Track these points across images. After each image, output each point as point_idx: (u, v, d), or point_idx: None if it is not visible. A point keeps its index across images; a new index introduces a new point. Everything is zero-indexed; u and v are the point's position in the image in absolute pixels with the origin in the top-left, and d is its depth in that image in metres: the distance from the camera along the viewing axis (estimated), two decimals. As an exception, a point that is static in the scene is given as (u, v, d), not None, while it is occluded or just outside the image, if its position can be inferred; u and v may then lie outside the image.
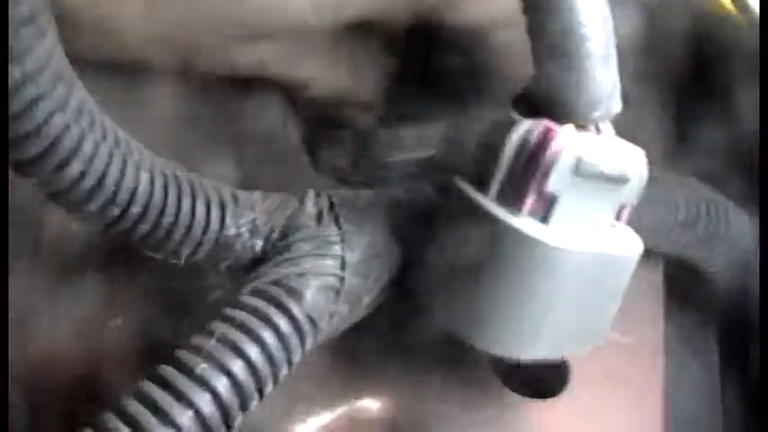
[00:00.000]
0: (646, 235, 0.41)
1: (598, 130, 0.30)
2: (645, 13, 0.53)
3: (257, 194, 0.33)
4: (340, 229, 0.32)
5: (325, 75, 0.43)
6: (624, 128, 0.53)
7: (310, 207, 0.33)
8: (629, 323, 0.42)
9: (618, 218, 0.32)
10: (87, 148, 0.27)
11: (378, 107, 0.47)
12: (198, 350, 0.28)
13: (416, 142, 0.50)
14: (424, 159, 0.50)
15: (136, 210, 0.29)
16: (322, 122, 0.47)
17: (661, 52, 0.57)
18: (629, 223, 0.39)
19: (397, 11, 0.40)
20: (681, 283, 0.49)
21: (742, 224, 0.44)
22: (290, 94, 0.44)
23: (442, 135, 0.49)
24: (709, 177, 0.52)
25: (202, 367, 0.28)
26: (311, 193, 0.34)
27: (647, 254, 0.43)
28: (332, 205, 0.33)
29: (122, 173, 0.28)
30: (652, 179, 0.40)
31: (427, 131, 0.49)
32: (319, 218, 0.33)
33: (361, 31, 0.43)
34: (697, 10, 0.53)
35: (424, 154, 0.50)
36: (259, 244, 0.32)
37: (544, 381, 0.38)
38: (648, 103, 0.58)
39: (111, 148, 0.28)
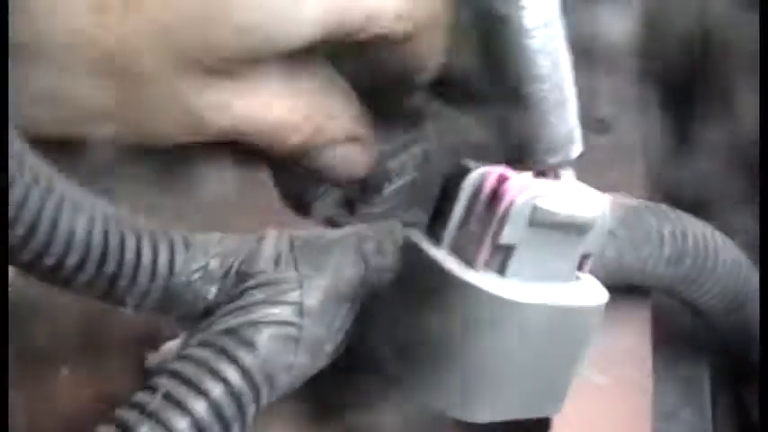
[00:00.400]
0: (627, 274, 0.39)
1: (557, 176, 0.29)
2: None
3: (213, 236, 0.31)
4: (298, 272, 0.30)
5: (286, 110, 0.39)
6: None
7: (269, 249, 0.31)
8: (614, 364, 0.40)
9: (581, 268, 0.30)
10: (16, 194, 0.25)
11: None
12: (141, 409, 0.26)
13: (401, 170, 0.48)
14: (407, 185, 0.48)
15: (73, 259, 0.27)
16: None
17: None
18: (608, 264, 0.38)
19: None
20: (671, 317, 0.47)
21: (733, 257, 0.43)
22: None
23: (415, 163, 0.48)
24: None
25: (145, 429, 0.26)
26: (271, 233, 0.32)
27: (633, 289, 0.42)
28: (292, 246, 0.31)
29: (55, 220, 0.26)
30: (635, 213, 0.39)
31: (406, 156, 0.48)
32: (277, 261, 0.31)
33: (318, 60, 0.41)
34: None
35: (405, 180, 0.48)
36: (212, 291, 0.30)
37: (522, 428, 0.36)
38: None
39: (42, 194, 0.26)
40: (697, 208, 0.47)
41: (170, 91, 0.36)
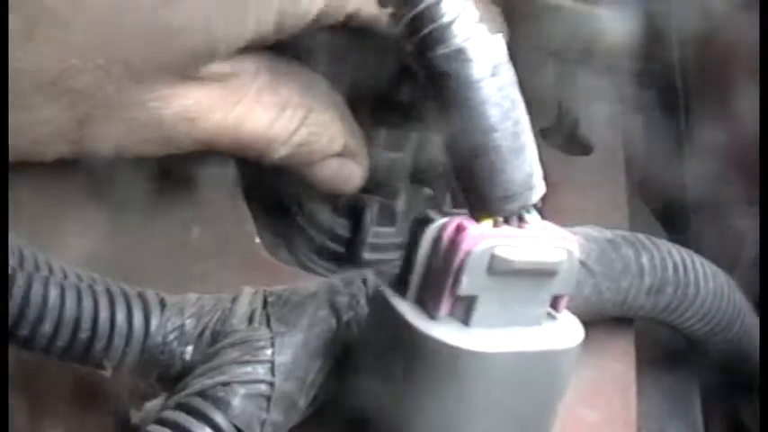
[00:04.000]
0: (609, 308, 0.39)
1: (521, 221, 0.29)
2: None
3: (189, 297, 0.32)
4: (270, 330, 0.31)
5: (267, 122, 0.38)
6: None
7: (243, 307, 0.32)
8: (598, 396, 0.40)
9: (556, 308, 0.30)
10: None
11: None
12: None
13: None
14: None
15: (47, 327, 0.28)
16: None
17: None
18: (588, 300, 0.38)
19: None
20: (656, 336, 0.47)
21: (715, 280, 0.43)
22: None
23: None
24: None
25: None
26: (247, 291, 0.33)
27: (616, 318, 0.42)
28: (265, 303, 0.32)
29: (27, 292, 0.27)
30: (611, 246, 0.39)
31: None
32: (251, 318, 0.31)
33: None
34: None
35: None
36: (189, 351, 0.31)
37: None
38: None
39: (13, 268, 0.27)
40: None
41: (130, 103, 0.35)
